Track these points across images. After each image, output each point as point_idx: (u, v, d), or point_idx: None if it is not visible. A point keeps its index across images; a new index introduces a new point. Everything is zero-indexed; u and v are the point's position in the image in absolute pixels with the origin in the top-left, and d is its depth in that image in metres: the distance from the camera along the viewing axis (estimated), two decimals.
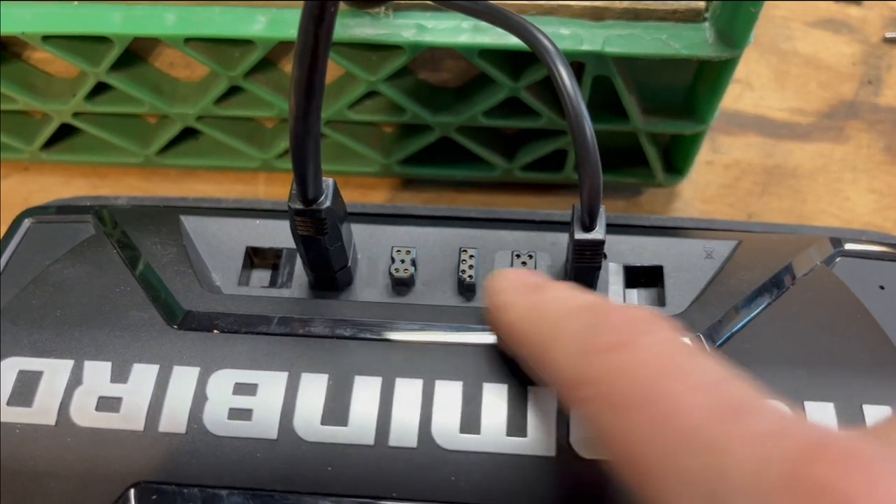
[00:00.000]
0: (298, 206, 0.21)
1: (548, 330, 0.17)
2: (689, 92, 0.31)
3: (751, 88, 0.39)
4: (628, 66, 0.29)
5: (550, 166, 0.34)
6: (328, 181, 0.22)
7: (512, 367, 0.19)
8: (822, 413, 0.18)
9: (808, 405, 0.19)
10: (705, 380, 0.15)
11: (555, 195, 0.36)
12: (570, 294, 0.19)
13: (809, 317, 0.21)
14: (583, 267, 0.23)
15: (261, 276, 0.26)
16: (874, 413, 0.18)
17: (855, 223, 0.35)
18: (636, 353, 0.16)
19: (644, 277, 0.26)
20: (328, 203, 0.22)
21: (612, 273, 0.25)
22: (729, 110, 0.38)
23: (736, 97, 0.39)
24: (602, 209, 0.22)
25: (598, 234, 0.22)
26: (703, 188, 0.36)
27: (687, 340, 0.16)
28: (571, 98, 0.21)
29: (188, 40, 0.29)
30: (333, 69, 0.32)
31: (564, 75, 0.21)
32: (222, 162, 0.35)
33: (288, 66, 0.32)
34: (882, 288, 0.25)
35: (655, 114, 0.31)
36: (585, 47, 0.28)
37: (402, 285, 0.25)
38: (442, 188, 0.36)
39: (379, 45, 0.29)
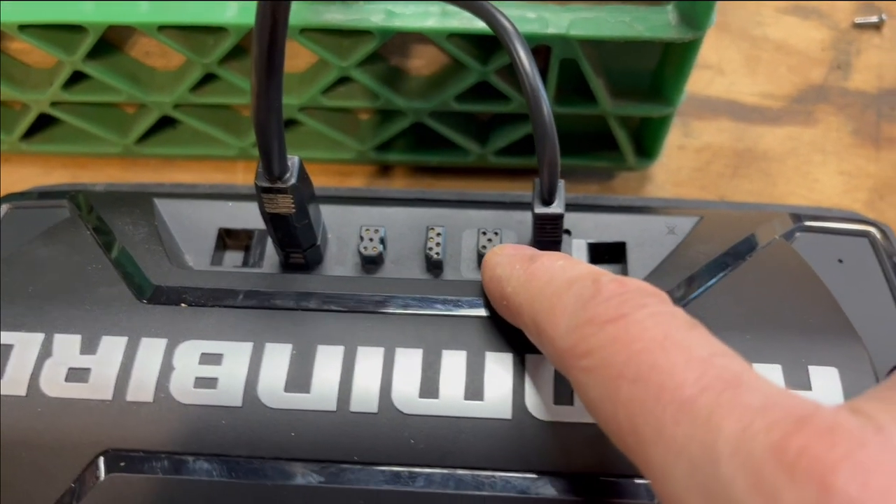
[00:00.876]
0: (265, 183, 0.22)
1: (545, 301, 0.18)
2: (656, 74, 0.31)
3: (722, 74, 0.39)
4: (594, 49, 0.30)
5: (524, 151, 0.35)
6: (294, 159, 0.23)
7: (471, 335, 0.20)
8: (769, 373, 0.19)
9: (757, 366, 0.19)
10: (698, 354, 0.15)
11: (529, 180, 0.36)
12: (565, 264, 0.19)
13: (763, 286, 0.22)
14: (545, 241, 0.24)
15: (233, 256, 0.27)
16: (819, 373, 0.19)
17: (824, 204, 0.36)
18: (632, 325, 0.16)
19: (608, 254, 0.26)
20: (293, 180, 0.22)
21: (577, 250, 0.26)
22: (700, 95, 0.39)
23: (707, 82, 0.39)
24: (561, 184, 0.23)
25: (557, 207, 0.22)
26: (674, 172, 0.37)
27: (682, 314, 0.17)
28: (528, 76, 0.21)
29: (162, 28, 0.29)
30: (307, 56, 0.32)
31: (522, 54, 0.21)
32: (200, 150, 0.35)
33: None
34: (840, 261, 0.26)
35: (624, 97, 0.32)
36: (551, 30, 0.28)
37: (371, 263, 0.25)
38: (418, 175, 0.37)
39: (350, 31, 0.29)
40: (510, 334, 0.20)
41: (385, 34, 0.29)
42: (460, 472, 0.19)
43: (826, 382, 0.19)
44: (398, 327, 0.20)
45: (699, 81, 0.39)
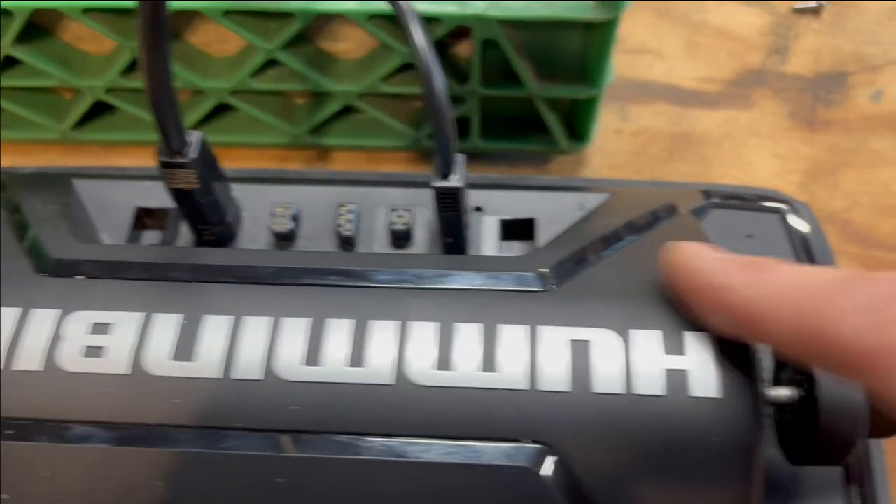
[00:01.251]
0: (165, 157, 0.22)
1: (814, 307, 0.17)
2: (580, 56, 0.32)
3: (662, 59, 0.40)
4: (517, 31, 0.30)
5: (461, 135, 0.35)
6: (196, 135, 0.23)
7: (357, 304, 0.20)
8: (650, 339, 0.19)
9: (637, 332, 0.19)
10: None
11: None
12: (797, 268, 0.19)
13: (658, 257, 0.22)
14: (447, 216, 0.24)
15: (152, 236, 0.27)
16: (692, 338, 0.19)
17: (758, 186, 0.36)
18: None
19: (519, 230, 0.27)
20: (194, 155, 0.22)
21: (489, 226, 0.26)
22: (639, 80, 0.39)
23: (646, 67, 0.39)
24: (460, 158, 0.23)
25: (455, 181, 0.23)
26: (611, 155, 0.37)
27: None
28: (420, 50, 0.21)
29: (87, 11, 0.29)
30: (237, 40, 0.33)
31: (414, 29, 0.22)
32: (138, 136, 0.36)
33: (192, 36, 0.32)
34: (750, 236, 0.27)
35: (551, 79, 0.32)
36: (469, 11, 0.29)
37: (283, 240, 0.26)
38: (357, 159, 0.37)
39: (274, 13, 0.30)
40: (396, 303, 0.20)
41: (306, 16, 0.29)
42: (341, 437, 0.19)
43: (700, 347, 0.19)
44: (287, 298, 0.20)
45: (638, 66, 0.39)
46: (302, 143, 0.35)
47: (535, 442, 0.19)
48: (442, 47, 0.32)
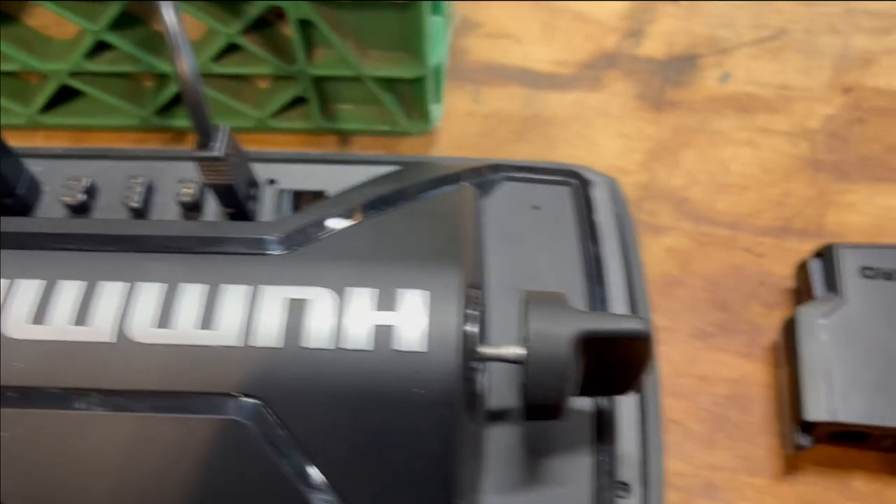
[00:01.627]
0: None
1: None
2: (402, 37, 0.32)
3: (519, 43, 0.40)
4: (331, 10, 0.30)
5: (307, 115, 0.36)
6: None
7: (88, 266, 0.21)
8: (362, 297, 0.20)
9: (353, 290, 0.20)
10: None
11: (316, 144, 0.37)
12: None
13: (411, 223, 0.23)
14: (217, 187, 0.25)
15: None
16: (406, 296, 0.20)
17: (599, 165, 0.37)
18: None
19: (310, 201, 0.27)
20: None
21: (278, 196, 0.27)
22: (496, 64, 0.40)
23: (503, 52, 0.40)
24: (224, 129, 0.24)
25: (214, 150, 0.23)
26: (460, 137, 0.38)
27: None
28: (170, 29, 0.22)
29: None
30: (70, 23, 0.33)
31: (165, 8, 0.22)
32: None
33: (30, 19, 0.33)
34: (537, 208, 0.27)
35: (379, 60, 0.33)
36: None
37: (77, 213, 0.27)
38: None
39: None
40: (129, 265, 0.21)
41: None
42: (61, 391, 0.20)
43: (412, 304, 0.20)
44: (22, 261, 0.21)
45: (495, 51, 0.40)
46: (153, 125, 0.36)
47: (246, 395, 0.20)
48: (267, 28, 0.32)
